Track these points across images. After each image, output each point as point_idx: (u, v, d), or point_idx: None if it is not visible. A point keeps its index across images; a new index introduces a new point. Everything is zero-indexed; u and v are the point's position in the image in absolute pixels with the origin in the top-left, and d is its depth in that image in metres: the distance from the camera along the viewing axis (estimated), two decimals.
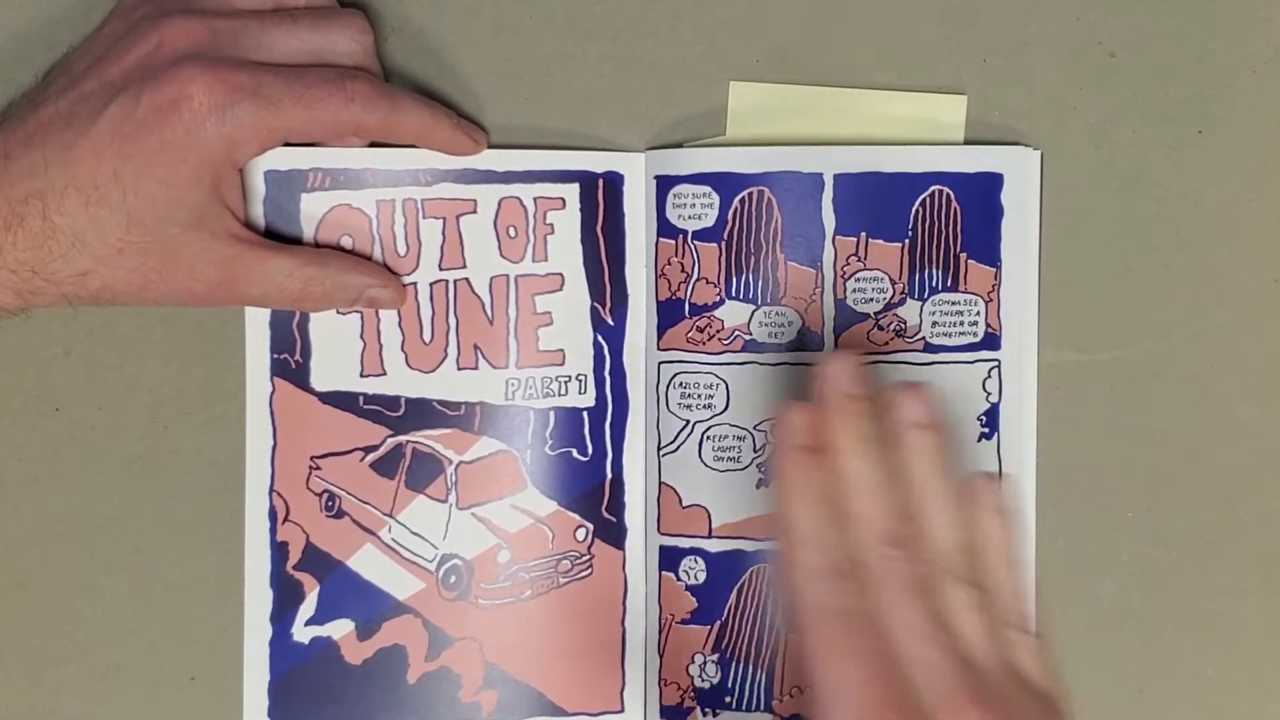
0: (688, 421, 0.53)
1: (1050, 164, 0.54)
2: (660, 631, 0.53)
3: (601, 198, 0.53)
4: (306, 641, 0.53)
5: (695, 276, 0.53)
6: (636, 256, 0.53)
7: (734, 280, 0.53)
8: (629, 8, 0.54)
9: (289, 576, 0.53)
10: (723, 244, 0.52)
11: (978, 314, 0.53)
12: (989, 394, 0.53)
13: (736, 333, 0.53)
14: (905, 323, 0.53)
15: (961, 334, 0.53)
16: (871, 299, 0.53)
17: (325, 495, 0.53)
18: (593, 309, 0.53)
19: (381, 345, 0.53)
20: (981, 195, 0.53)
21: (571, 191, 0.53)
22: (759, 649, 0.53)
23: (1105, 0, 0.54)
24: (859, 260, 0.53)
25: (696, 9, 0.54)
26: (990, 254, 0.53)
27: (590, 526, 0.53)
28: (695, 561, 0.53)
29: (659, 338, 0.53)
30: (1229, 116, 0.54)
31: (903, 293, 0.53)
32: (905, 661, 0.41)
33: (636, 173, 0.53)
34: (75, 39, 0.51)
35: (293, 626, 0.53)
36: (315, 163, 0.52)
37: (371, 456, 0.53)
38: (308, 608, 0.53)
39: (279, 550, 0.53)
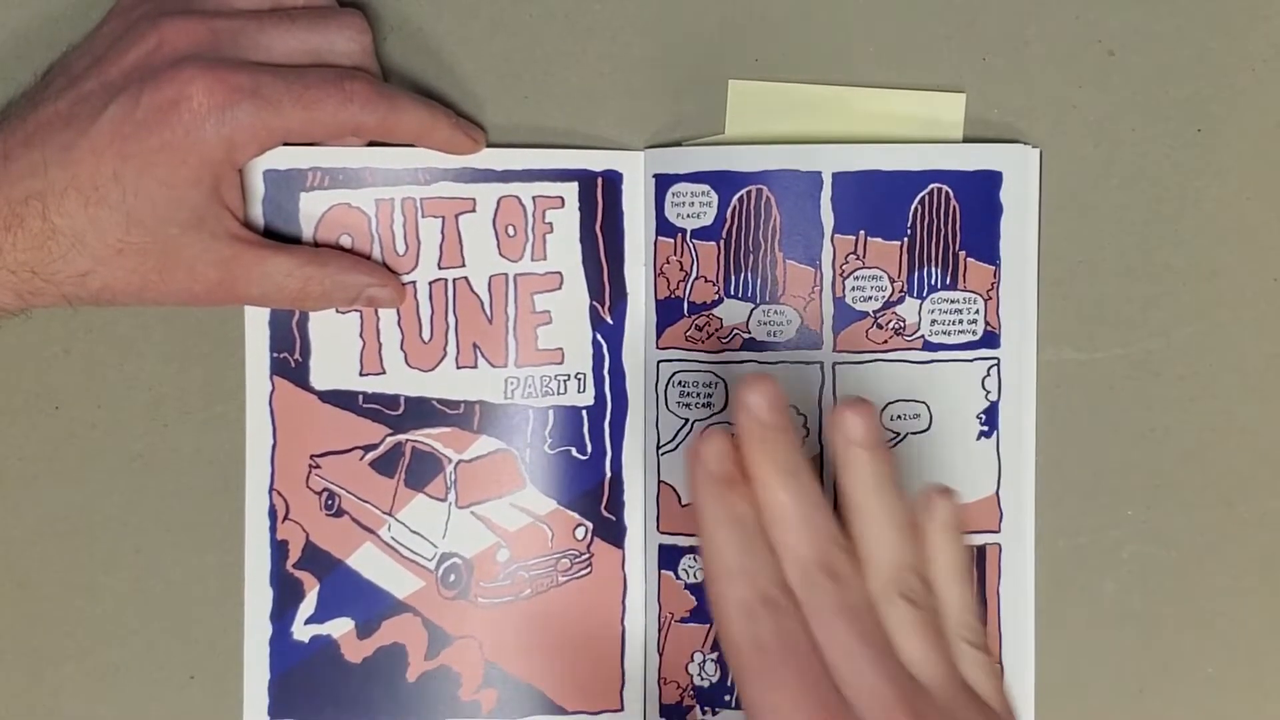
0: (687, 420, 0.53)
1: (1049, 163, 0.54)
2: (660, 630, 0.53)
3: (600, 196, 0.53)
4: (306, 640, 0.53)
5: (694, 275, 0.53)
6: (635, 255, 0.53)
7: (733, 279, 0.53)
8: (629, 7, 0.54)
9: (289, 575, 0.53)
10: (721, 242, 0.52)
11: (977, 312, 0.53)
12: (988, 392, 0.53)
13: (735, 331, 0.53)
14: (904, 321, 0.53)
15: (960, 332, 0.53)
16: (870, 297, 0.53)
17: (325, 494, 0.53)
18: (592, 308, 0.53)
19: (381, 344, 0.53)
20: (980, 193, 0.53)
21: (570, 190, 0.53)
22: None
23: (1105, 0, 0.54)
24: (858, 258, 0.53)
25: (696, 9, 0.54)
26: (989, 252, 0.53)
27: (590, 525, 0.53)
28: (695, 560, 0.53)
29: (658, 336, 0.53)
30: (1228, 115, 0.54)
31: (901, 291, 0.53)
32: (842, 685, 0.40)
33: (635, 171, 0.53)
34: (75, 38, 0.51)
35: (292, 625, 0.53)
36: (314, 162, 0.52)
37: (371, 455, 0.53)
38: (307, 606, 0.53)
39: (279, 549, 0.53)
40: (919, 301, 0.53)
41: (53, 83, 0.49)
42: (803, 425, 0.53)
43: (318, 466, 0.53)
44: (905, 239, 0.53)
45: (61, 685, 0.54)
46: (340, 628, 0.53)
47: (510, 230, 0.53)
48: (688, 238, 0.53)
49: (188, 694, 0.54)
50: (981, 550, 0.53)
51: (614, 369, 0.53)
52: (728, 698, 0.53)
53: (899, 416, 0.53)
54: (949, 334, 0.53)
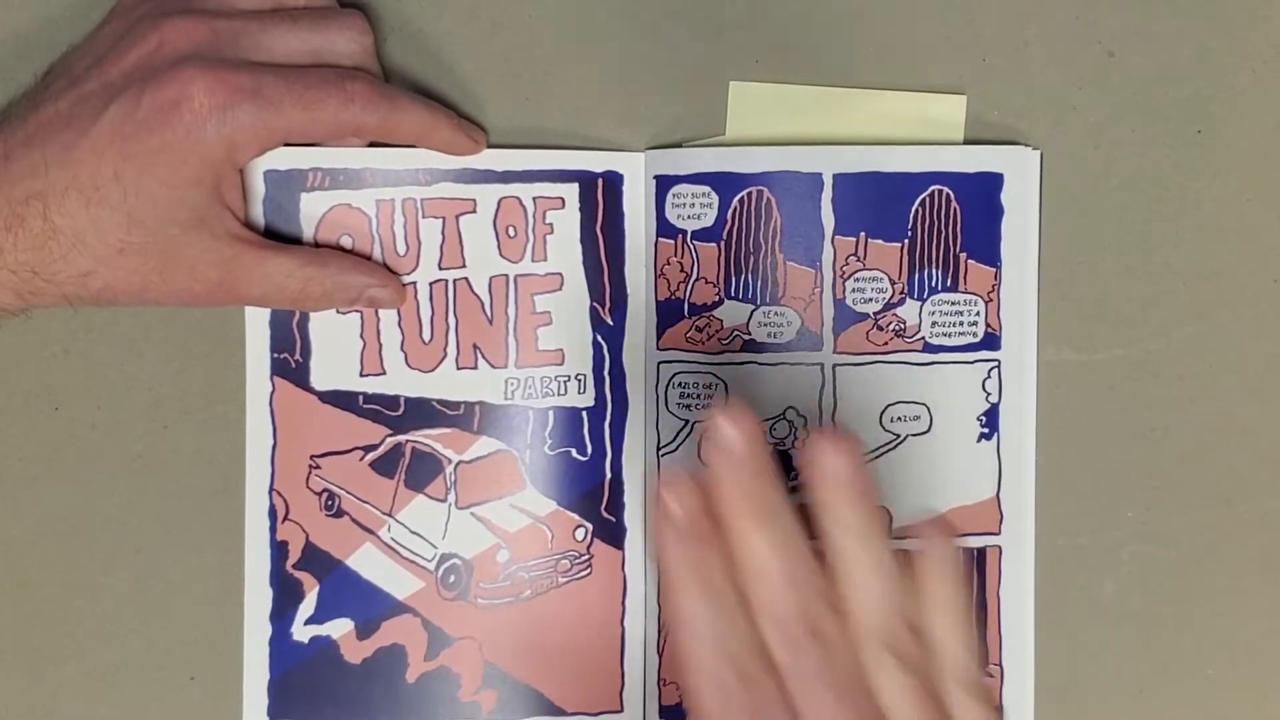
0: (687, 421, 0.53)
1: (1050, 164, 0.54)
2: (659, 631, 0.53)
3: (601, 197, 0.53)
4: (306, 641, 0.53)
5: (694, 276, 0.53)
6: (636, 256, 0.53)
7: (733, 280, 0.53)
8: (629, 8, 0.54)
9: (289, 576, 0.53)
10: (722, 244, 0.52)
11: (977, 314, 0.53)
12: (989, 394, 0.53)
13: (735, 333, 0.53)
14: (905, 323, 0.53)
15: (961, 334, 0.53)
16: (871, 299, 0.53)
17: (325, 494, 0.53)
18: (592, 309, 0.53)
19: (381, 345, 0.53)
20: (981, 195, 0.53)
21: (571, 191, 0.53)
22: None
23: (1105, 0, 0.54)
24: (858, 260, 0.53)
25: (696, 9, 0.54)
26: (990, 254, 0.53)
27: (589, 526, 0.53)
28: None
29: (658, 337, 0.53)
30: (1228, 116, 0.54)
31: (902, 293, 0.53)
32: None
33: (636, 172, 0.53)
34: (75, 39, 0.51)
35: (292, 626, 0.53)
36: (315, 162, 0.52)
37: (371, 456, 0.53)
38: (307, 607, 0.53)
39: (279, 549, 0.53)
40: (919, 303, 0.53)
41: (53, 83, 0.49)
42: (803, 428, 0.53)
43: (318, 467, 0.53)
44: (906, 241, 0.53)
45: (61, 685, 0.54)
46: (340, 628, 0.53)
47: (511, 231, 0.53)
48: (688, 239, 0.53)
49: (188, 694, 0.54)
50: (982, 552, 0.53)
51: (614, 370, 0.53)
52: None
53: (899, 418, 0.53)
54: (949, 336, 0.53)
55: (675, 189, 0.53)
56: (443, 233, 0.53)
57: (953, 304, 0.53)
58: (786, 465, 0.52)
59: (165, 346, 0.54)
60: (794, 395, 0.52)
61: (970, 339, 0.53)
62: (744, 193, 0.52)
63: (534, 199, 0.53)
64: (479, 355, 0.53)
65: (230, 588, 0.54)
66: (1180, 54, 0.54)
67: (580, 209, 0.53)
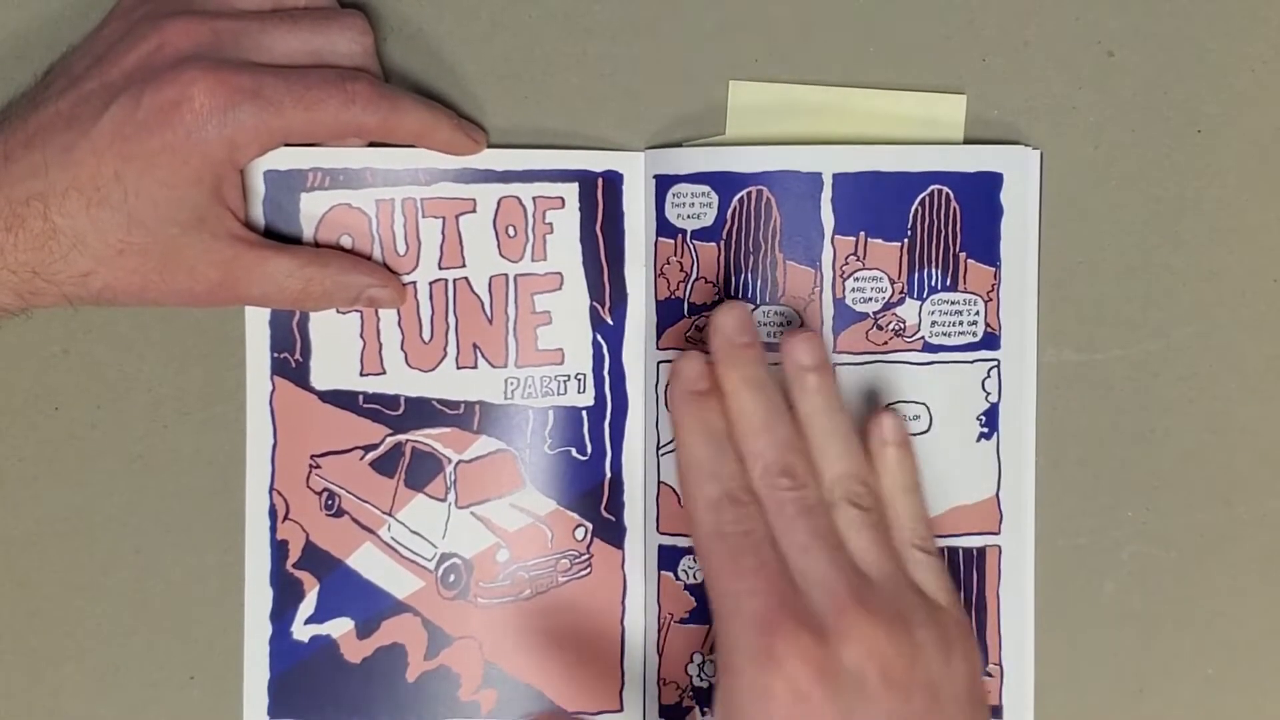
0: None
1: (1050, 164, 0.54)
2: (659, 631, 0.53)
3: (601, 197, 0.53)
4: (306, 640, 0.53)
5: (694, 276, 0.53)
6: (636, 256, 0.53)
7: (733, 279, 0.53)
8: (629, 8, 0.54)
9: (289, 575, 0.53)
10: (722, 243, 0.52)
11: (977, 314, 0.53)
12: (988, 394, 0.53)
13: None
14: (904, 322, 0.53)
15: (961, 334, 0.53)
16: (870, 298, 0.53)
17: (325, 494, 0.53)
18: (592, 308, 0.53)
19: (381, 344, 0.53)
20: (981, 195, 0.53)
21: (571, 191, 0.53)
22: None
23: (1105, 0, 0.54)
24: (858, 260, 0.53)
25: (696, 9, 0.54)
26: (990, 253, 0.53)
27: (589, 526, 0.53)
28: (694, 561, 0.53)
29: (658, 337, 0.53)
30: (1228, 116, 0.54)
31: (902, 292, 0.53)
32: (798, 575, 0.45)
33: (636, 172, 0.53)
34: (74, 39, 0.51)
35: (292, 625, 0.53)
36: (315, 162, 0.52)
37: (371, 455, 0.53)
38: (307, 606, 0.53)
39: (279, 549, 0.53)
40: (919, 303, 0.53)
41: (53, 83, 0.49)
42: None
43: (318, 466, 0.53)
44: (905, 240, 0.53)
45: (61, 685, 0.54)
46: (340, 628, 0.53)
47: (510, 231, 0.53)
48: (688, 238, 0.53)
49: (188, 694, 0.54)
50: (982, 551, 0.53)
51: (614, 369, 0.53)
52: None
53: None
54: (949, 335, 0.53)
55: (675, 188, 0.53)
56: (443, 232, 0.53)
57: (952, 304, 0.53)
58: None
59: (165, 346, 0.54)
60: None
61: (970, 339, 0.53)
62: (744, 192, 0.52)
63: (534, 198, 0.53)
64: (479, 355, 0.53)
65: (230, 587, 0.54)
66: (1180, 54, 0.54)
67: (580, 208, 0.53)
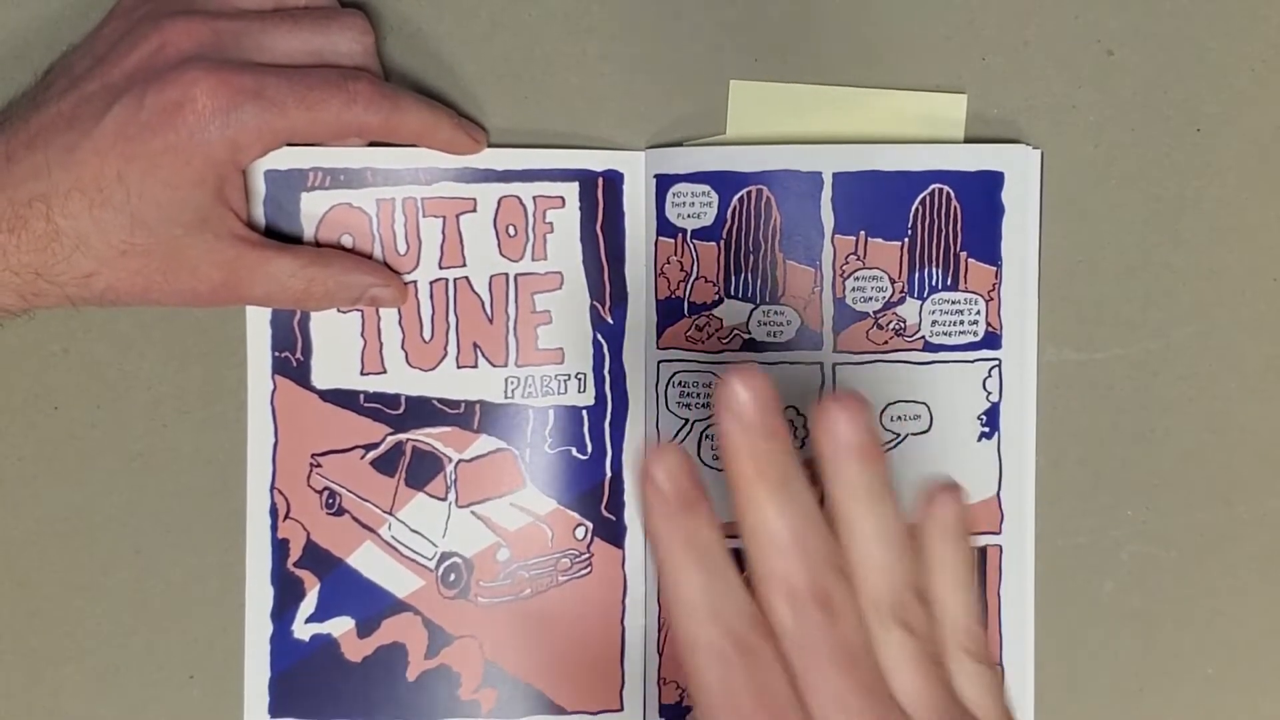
0: (687, 420, 0.53)
1: (1050, 163, 0.54)
2: (659, 630, 0.53)
3: (601, 196, 0.53)
4: (307, 639, 0.53)
5: (694, 275, 0.53)
6: (636, 255, 0.53)
7: (733, 279, 0.53)
8: (629, 7, 0.54)
9: (289, 574, 0.53)
10: (722, 243, 0.52)
11: (978, 313, 0.53)
12: (989, 393, 0.53)
13: (735, 332, 0.53)
14: (905, 322, 0.53)
15: (961, 333, 0.53)
16: (871, 298, 0.53)
17: (326, 493, 0.53)
18: (592, 307, 0.53)
19: (382, 343, 0.53)
20: (981, 194, 0.53)
21: (571, 190, 0.53)
22: None
23: (1105, 0, 0.54)
24: (858, 259, 0.53)
25: (696, 9, 0.54)
26: (990, 253, 0.53)
27: (590, 525, 0.53)
28: None
29: (658, 336, 0.53)
30: (1228, 116, 0.54)
31: (902, 291, 0.53)
32: None
33: (636, 171, 0.53)
34: (75, 39, 0.51)
35: (293, 624, 0.53)
36: (315, 162, 0.53)
37: (372, 454, 0.53)
38: (308, 605, 0.53)
39: (279, 548, 0.53)
40: (920, 302, 0.53)
41: (54, 83, 0.49)
42: (802, 427, 0.53)
43: (319, 465, 0.53)
44: (906, 239, 0.53)
45: (61, 685, 0.54)
46: (340, 627, 0.53)
47: (511, 230, 0.53)
48: (688, 238, 0.53)
49: (188, 694, 0.54)
50: (982, 551, 0.53)
51: (614, 369, 0.53)
52: None
53: (899, 417, 0.53)
54: (950, 335, 0.53)
55: (675, 188, 0.53)
56: (443, 232, 0.53)
57: (953, 303, 0.53)
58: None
59: (165, 346, 0.54)
60: (794, 394, 0.52)
61: (970, 338, 0.53)
62: (744, 191, 0.52)
63: (534, 198, 0.53)
64: (479, 354, 0.53)
65: (231, 586, 0.54)
66: (1180, 54, 0.54)
67: (580, 208, 0.53)
